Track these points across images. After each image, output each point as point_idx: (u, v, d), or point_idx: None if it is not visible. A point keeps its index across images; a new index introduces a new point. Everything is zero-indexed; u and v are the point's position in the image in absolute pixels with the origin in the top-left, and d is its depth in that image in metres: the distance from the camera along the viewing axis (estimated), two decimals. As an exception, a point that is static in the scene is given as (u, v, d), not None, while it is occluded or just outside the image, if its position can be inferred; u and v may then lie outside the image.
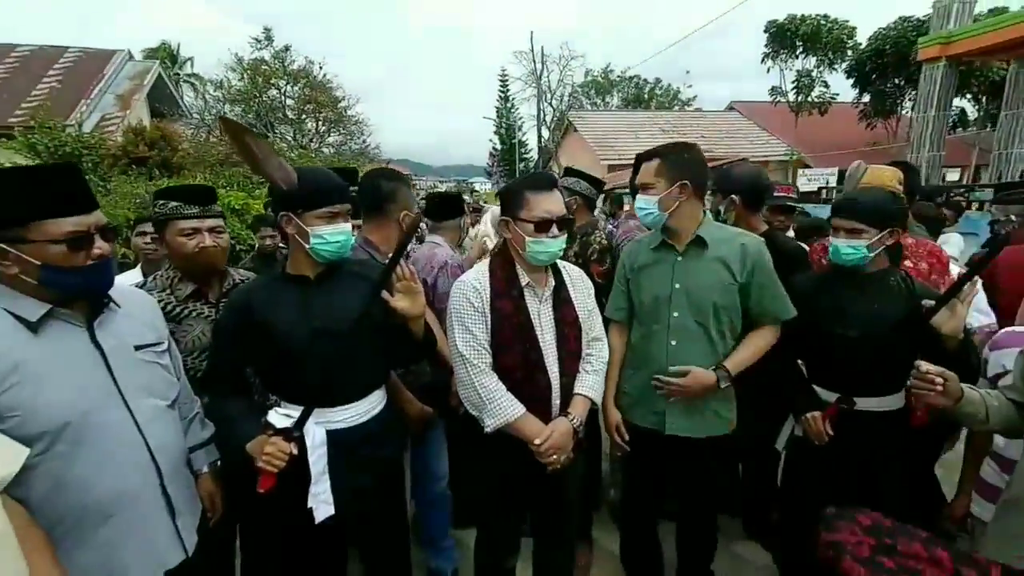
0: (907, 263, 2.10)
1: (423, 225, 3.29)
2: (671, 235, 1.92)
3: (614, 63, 31.23)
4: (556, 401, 1.73)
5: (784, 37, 21.23)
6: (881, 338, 1.73)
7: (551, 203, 1.67)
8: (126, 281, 1.69)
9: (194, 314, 1.81)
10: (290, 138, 17.35)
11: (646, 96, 32.59)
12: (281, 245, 3.86)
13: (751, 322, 1.92)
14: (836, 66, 21.00)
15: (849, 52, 20.59)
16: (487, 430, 1.68)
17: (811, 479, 1.95)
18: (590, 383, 1.81)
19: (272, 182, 1.53)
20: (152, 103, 15.02)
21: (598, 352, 1.88)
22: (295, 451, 1.45)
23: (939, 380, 1.40)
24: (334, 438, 1.55)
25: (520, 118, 34.58)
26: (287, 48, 18.39)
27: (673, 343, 1.88)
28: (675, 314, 1.88)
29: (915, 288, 1.81)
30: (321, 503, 1.52)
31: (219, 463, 1.62)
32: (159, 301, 1.68)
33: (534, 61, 25.56)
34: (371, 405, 1.65)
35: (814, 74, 21.41)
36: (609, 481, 2.95)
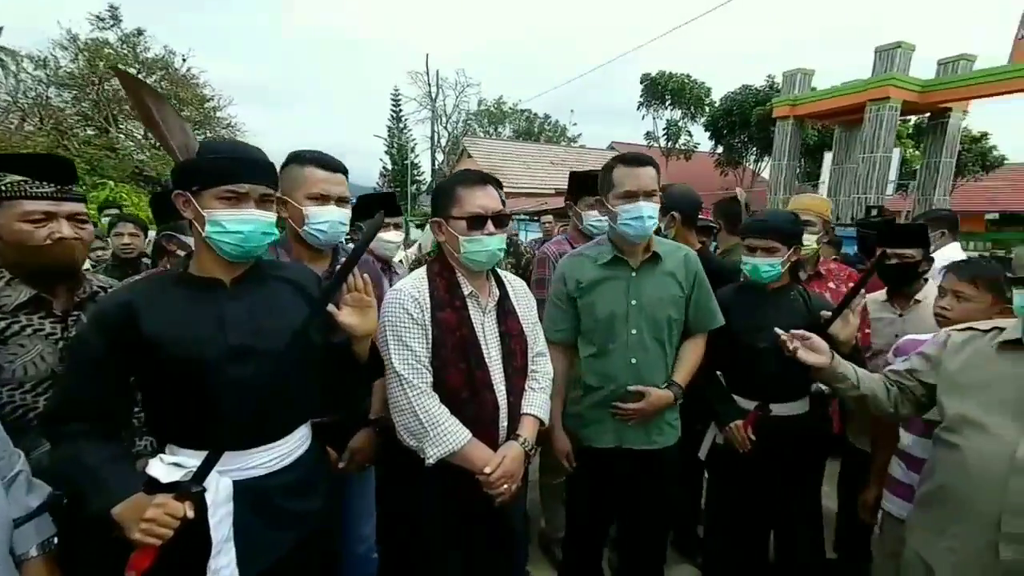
0: (830, 284, 2.29)
1: None
2: (627, 250, 1.86)
3: (506, 96, 32.22)
4: (503, 423, 1.55)
5: (656, 89, 23.73)
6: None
7: (485, 198, 1.51)
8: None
9: (29, 330, 1.35)
10: (139, 136, 15.22)
11: (536, 130, 34.21)
12: (145, 253, 3.20)
13: (685, 332, 1.95)
14: (697, 119, 23.88)
15: (706, 109, 23.55)
16: (429, 462, 1.44)
17: (734, 485, 2.04)
18: (538, 401, 1.65)
19: (170, 152, 1.19)
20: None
21: (543, 368, 1.73)
22: (191, 513, 1.08)
23: (806, 338, 1.63)
24: (246, 491, 1.19)
25: (413, 139, 34.18)
26: (140, 32, 16.29)
27: (634, 361, 1.84)
28: (633, 331, 1.83)
29: (812, 301, 1.98)
30: (224, 581, 1.14)
31: (55, 541, 1.18)
32: None
33: (429, 84, 25.54)
34: (295, 445, 1.31)
35: (680, 124, 24.16)
36: (538, 511, 2.78)
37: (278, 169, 1.38)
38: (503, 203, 1.57)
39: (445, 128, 26.10)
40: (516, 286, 1.74)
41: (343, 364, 1.33)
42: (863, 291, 1.77)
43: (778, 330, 1.70)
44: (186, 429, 1.19)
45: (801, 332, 1.66)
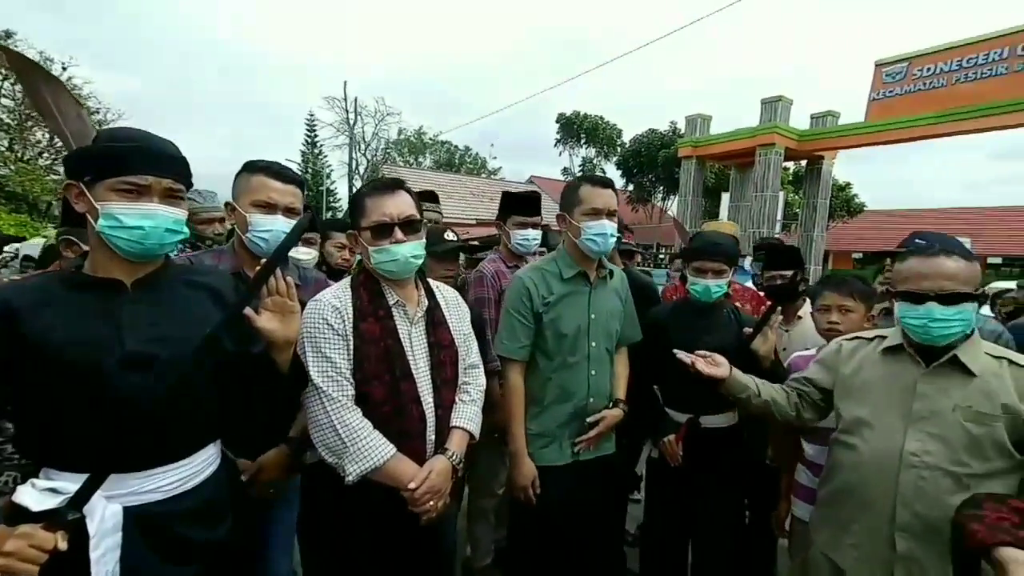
0: (737, 303, 2.47)
1: None
2: (586, 265, 1.91)
3: (427, 126, 32.44)
4: (431, 436, 1.48)
5: (571, 128, 25.06)
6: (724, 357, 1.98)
7: (390, 205, 1.45)
8: None
9: None
10: (3, 147, 13.49)
11: (457, 161, 34.60)
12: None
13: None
14: (609, 158, 25.41)
15: (618, 148, 25.15)
16: (348, 479, 1.34)
17: (668, 497, 2.11)
18: (468, 414, 1.59)
19: (63, 140, 1.06)
20: None
21: (475, 380, 1.68)
22: (63, 545, 0.91)
23: (706, 356, 1.75)
24: (140, 519, 1.03)
25: (329, 166, 33.19)
26: (8, 35, 14.62)
27: (593, 373, 1.88)
28: (593, 344, 1.88)
29: (741, 318, 2.12)
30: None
31: None
32: None
33: (347, 110, 25.10)
34: (201, 466, 1.16)
35: (594, 162, 25.54)
36: (464, 538, 2.65)
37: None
38: (419, 209, 1.52)
39: (364, 155, 25.64)
40: (448, 296, 1.69)
41: (261, 376, 1.20)
42: (779, 309, 1.93)
43: (677, 352, 1.77)
44: (69, 448, 1.02)
45: (702, 352, 1.76)
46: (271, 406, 1.29)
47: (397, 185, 1.51)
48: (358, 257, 2.26)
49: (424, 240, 1.52)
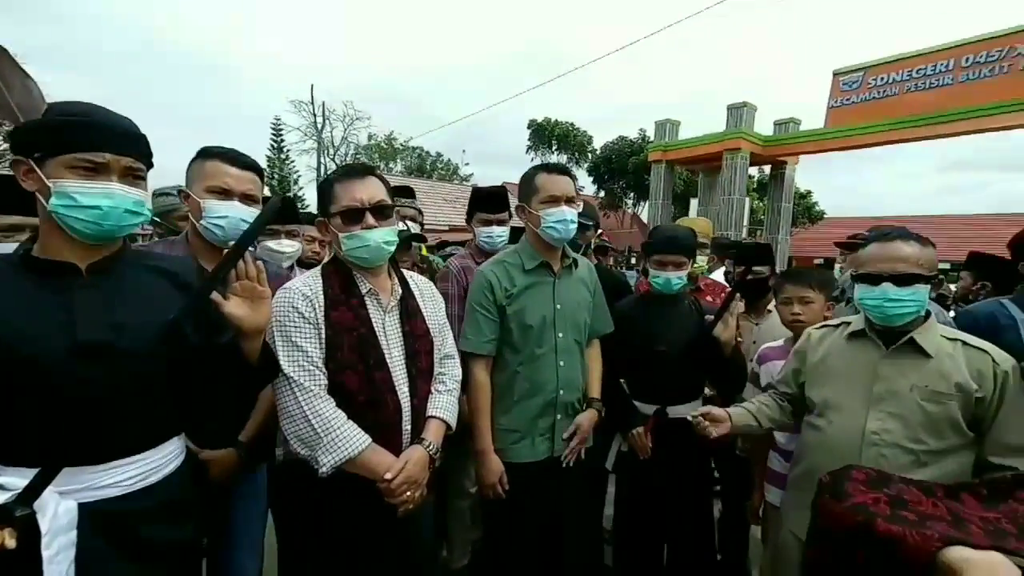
0: (708, 297, 2.53)
1: None
2: (549, 256, 1.89)
3: (397, 132, 32.11)
4: (407, 427, 1.45)
5: (543, 135, 25.20)
6: (685, 349, 2.02)
7: (360, 190, 1.41)
8: None
9: None
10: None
11: (428, 168, 34.35)
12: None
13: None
14: (581, 165, 25.62)
15: (589, 155, 25.40)
16: (323, 471, 1.31)
17: (639, 491, 2.11)
18: (445, 404, 1.56)
19: (5, 111, 1.00)
20: None
21: (451, 371, 1.65)
22: (11, 543, 0.87)
23: (707, 414, 1.71)
24: (96, 516, 0.98)
25: (296, 171, 32.49)
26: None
27: (562, 364, 1.86)
28: (560, 335, 1.86)
29: (701, 308, 2.17)
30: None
31: None
32: None
33: (315, 114, 24.69)
34: (162, 460, 1.11)
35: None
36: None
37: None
38: (390, 195, 1.49)
39: (333, 160, 25.17)
40: (422, 286, 1.67)
41: (228, 368, 1.16)
42: (738, 296, 1.98)
43: (689, 417, 1.76)
44: (16, 440, 0.96)
45: (704, 408, 1.75)
46: (238, 399, 1.25)
47: (367, 170, 1.48)
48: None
49: (397, 227, 1.49)
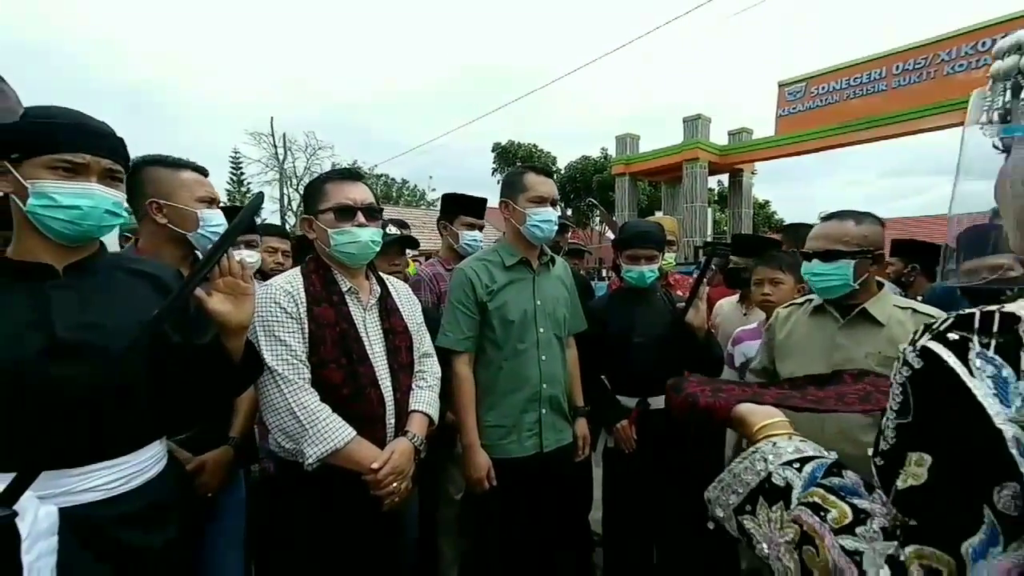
0: (678, 292, 2.59)
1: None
2: (528, 253, 1.93)
3: (361, 161, 32.13)
4: (391, 421, 1.46)
5: (507, 157, 25.60)
6: (660, 339, 2.07)
7: (354, 191, 1.47)
8: None
9: None
10: None
11: (395, 194, 34.35)
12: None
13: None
14: (546, 184, 26.09)
15: (554, 175, 25.92)
16: (308, 463, 1.30)
17: (627, 488, 2.12)
18: (427, 399, 1.58)
19: None
20: None
21: (430, 368, 1.67)
22: None
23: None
24: (77, 521, 0.95)
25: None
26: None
27: (544, 358, 1.88)
28: (541, 329, 1.88)
29: (672, 298, 2.25)
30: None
31: None
32: None
33: (275, 145, 24.43)
34: (145, 464, 1.08)
35: (531, 188, 26.15)
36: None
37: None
38: (377, 201, 1.54)
39: (296, 191, 24.86)
40: (399, 287, 1.70)
41: (211, 368, 1.14)
42: (705, 281, 2.03)
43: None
44: None
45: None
46: (221, 399, 1.22)
47: (358, 176, 1.53)
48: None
49: (381, 230, 1.53)
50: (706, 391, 0.88)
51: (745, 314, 2.59)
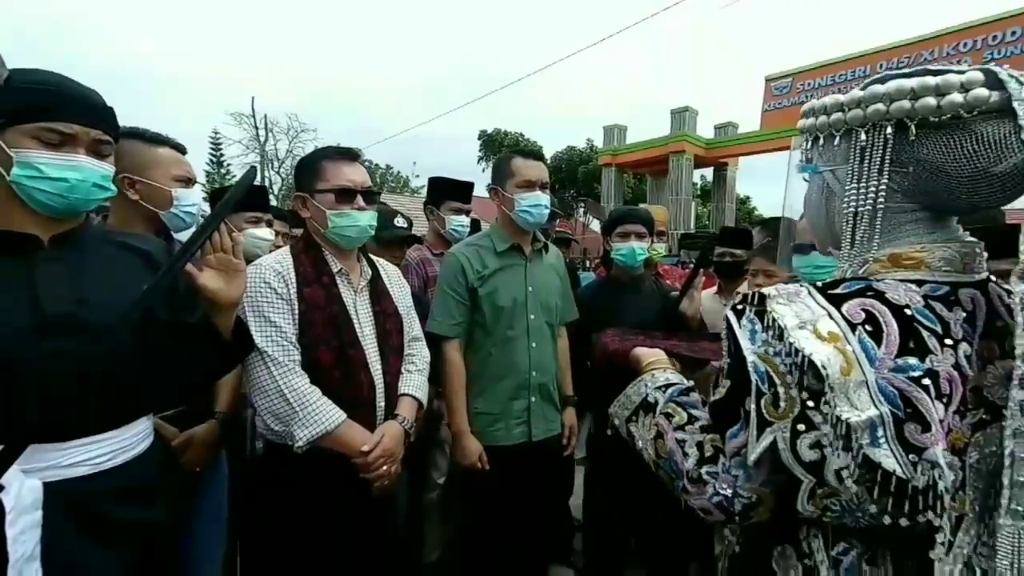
0: (667, 281, 2.63)
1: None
2: (521, 239, 1.91)
3: (344, 145, 31.48)
4: (381, 404, 1.45)
5: (493, 145, 25.44)
6: (650, 327, 2.04)
7: (354, 173, 1.45)
8: None
9: None
10: None
11: (379, 180, 33.89)
12: None
13: None
14: (532, 173, 26.03)
15: (545, 160, 25.87)
16: (298, 445, 1.29)
17: (610, 474, 2.11)
18: (416, 383, 1.58)
19: None
20: None
21: (420, 352, 1.67)
22: None
23: None
24: (62, 495, 0.93)
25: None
26: None
27: (534, 345, 1.86)
28: (532, 317, 1.87)
29: (663, 286, 2.29)
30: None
31: None
32: None
33: (256, 127, 23.84)
34: (132, 440, 1.06)
35: (518, 176, 26.10)
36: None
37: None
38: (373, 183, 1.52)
39: (278, 173, 24.34)
40: (389, 270, 1.69)
41: (200, 345, 1.13)
42: (701, 272, 2.06)
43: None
44: None
45: None
46: (210, 377, 1.20)
47: (356, 155, 1.50)
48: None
49: (376, 213, 1.51)
50: (615, 339, 1.09)
51: (725, 304, 2.63)
